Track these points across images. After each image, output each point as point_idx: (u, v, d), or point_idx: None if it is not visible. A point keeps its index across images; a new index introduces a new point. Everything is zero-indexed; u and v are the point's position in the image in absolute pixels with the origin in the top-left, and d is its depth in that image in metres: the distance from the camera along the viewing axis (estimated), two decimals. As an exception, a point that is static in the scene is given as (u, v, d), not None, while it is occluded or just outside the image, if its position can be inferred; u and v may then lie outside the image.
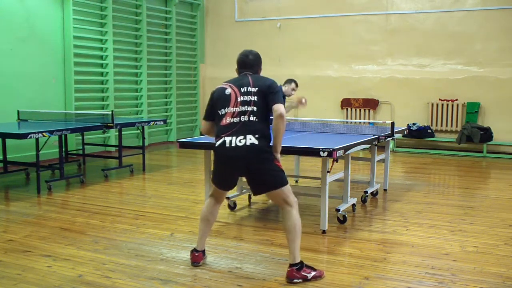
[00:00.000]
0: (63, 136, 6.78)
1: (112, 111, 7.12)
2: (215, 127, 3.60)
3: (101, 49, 9.40)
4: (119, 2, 9.69)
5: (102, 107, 9.38)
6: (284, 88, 6.25)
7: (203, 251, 3.80)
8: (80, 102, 8.87)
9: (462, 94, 9.75)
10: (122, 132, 7.68)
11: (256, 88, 3.52)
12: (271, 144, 3.49)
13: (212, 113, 3.64)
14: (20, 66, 7.91)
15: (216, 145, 3.52)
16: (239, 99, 3.51)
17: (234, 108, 3.50)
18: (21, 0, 7.90)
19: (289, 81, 6.34)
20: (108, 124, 6.90)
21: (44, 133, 5.93)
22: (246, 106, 3.48)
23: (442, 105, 9.88)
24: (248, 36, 11.35)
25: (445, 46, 9.81)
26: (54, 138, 6.57)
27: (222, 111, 3.54)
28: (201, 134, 3.70)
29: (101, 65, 9.41)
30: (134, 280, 3.49)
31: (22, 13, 7.93)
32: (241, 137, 3.41)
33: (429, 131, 9.81)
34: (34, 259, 3.90)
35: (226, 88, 3.60)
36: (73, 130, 6.56)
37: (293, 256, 3.47)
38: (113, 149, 8.89)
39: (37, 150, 6.17)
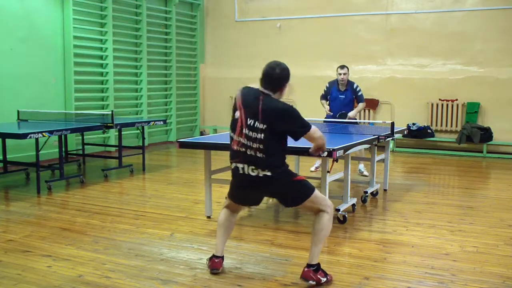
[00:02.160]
0: (63, 136, 6.78)
1: (112, 111, 7.12)
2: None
3: (101, 49, 9.40)
4: (119, 2, 9.69)
5: (102, 107, 9.38)
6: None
7: (223, 257, 3.68)
8: (80, 102, 8.87)
9: (462, 94, 9.75)
10: (122, 132, 7.67)
11: (265, 126, 3.23)
12: (285, 164, 3.38)
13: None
14: (20, 66, 7.91)
15: (231, 167, 3.46)
16: (244, 131, 3.29)
17: (239, 138, 3.32)
18: (21, 0, 7.90)
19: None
20: (108, 124, 6.90)
21: (44, 133, 5.93)
22: (251, 142, 3.28)
23: (442, 105, 9.88)
24: (248, 36, 11.36)
25: (445, 46, 9.80)
26: (54, 138, 6.57)
27: (231, 133, 3.41)
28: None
29: (101, 65, 9.41)
30: (134, 280, 3.49)
31: (22, 13, 7.92)
32: (252, 167, 3.31)
33: (429, 131, 9.81)
34: (34, 259, 3.90)
35: (237, 109, 3.35)
36: (73, 130, 6.57)
37: (312, 257, 3.43)
38: (113, 149, 8.89)
39: (37, 150, 6.17)
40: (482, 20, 9.53)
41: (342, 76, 7.13)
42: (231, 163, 3.44)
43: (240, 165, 3.36)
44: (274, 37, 11.14)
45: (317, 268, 3.43)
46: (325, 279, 3.43)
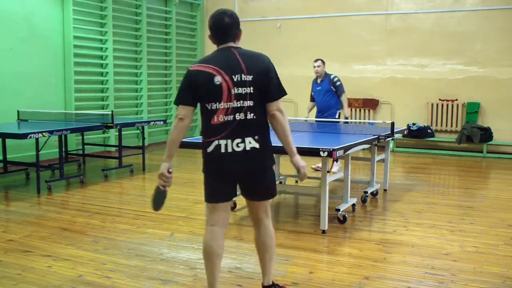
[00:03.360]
0: (63, 136, 6.78)
1: (112, 111, 7.12)
2: (203, 125, 2.97)
3: (101, 49, 9.40)
4: (119, 2, 9.69)
5: (102, 107, 9.38)
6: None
7: None
8: (80, 102, 8.87)
9: (462, 94, 9.75)
10: (122, 132, 7.68)
11: (251, 76, 2.85)
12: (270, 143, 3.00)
13: (192, 99, 2.96)
14: (20, 66, 7.91)
15: (208, 151, 2.91)
16: (233, 92, 2.83)
17: (228, 104, 2.84)
18: (21, 0, 7.90)
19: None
20: (108, 124, 6.90)
21: (44, 133, 5.93)
22: (241, 101, 2.84)
23: (442, 105, 9.88)
24: (248, 36, 11.24)
25: (445, 46, 9.80)
26: (54, 138, 6.57)
27: (213, 106, 2.87)
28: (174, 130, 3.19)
29: (101, 65, 9.41)
30: (134, 280, 3.49)
31: (22, 13, 7.92)
32: (239, 140, 2.85)
33: (429, 131, 9.81)
34: (34, 259, 3.90)
35: (214, 75, 2.87)
36: (73, 130, 6.57)
37: (269, 277, 3.10)
38: (113, 149, 8.89)
39: (37, 150, 6.17)
40: (482, 20, 9.53)
41: (316, 68, 7.36)
42: (209, 143, 2.90)
43: (223, 142, 2.85)
44: (274, 37, 11.14)
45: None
46: None
